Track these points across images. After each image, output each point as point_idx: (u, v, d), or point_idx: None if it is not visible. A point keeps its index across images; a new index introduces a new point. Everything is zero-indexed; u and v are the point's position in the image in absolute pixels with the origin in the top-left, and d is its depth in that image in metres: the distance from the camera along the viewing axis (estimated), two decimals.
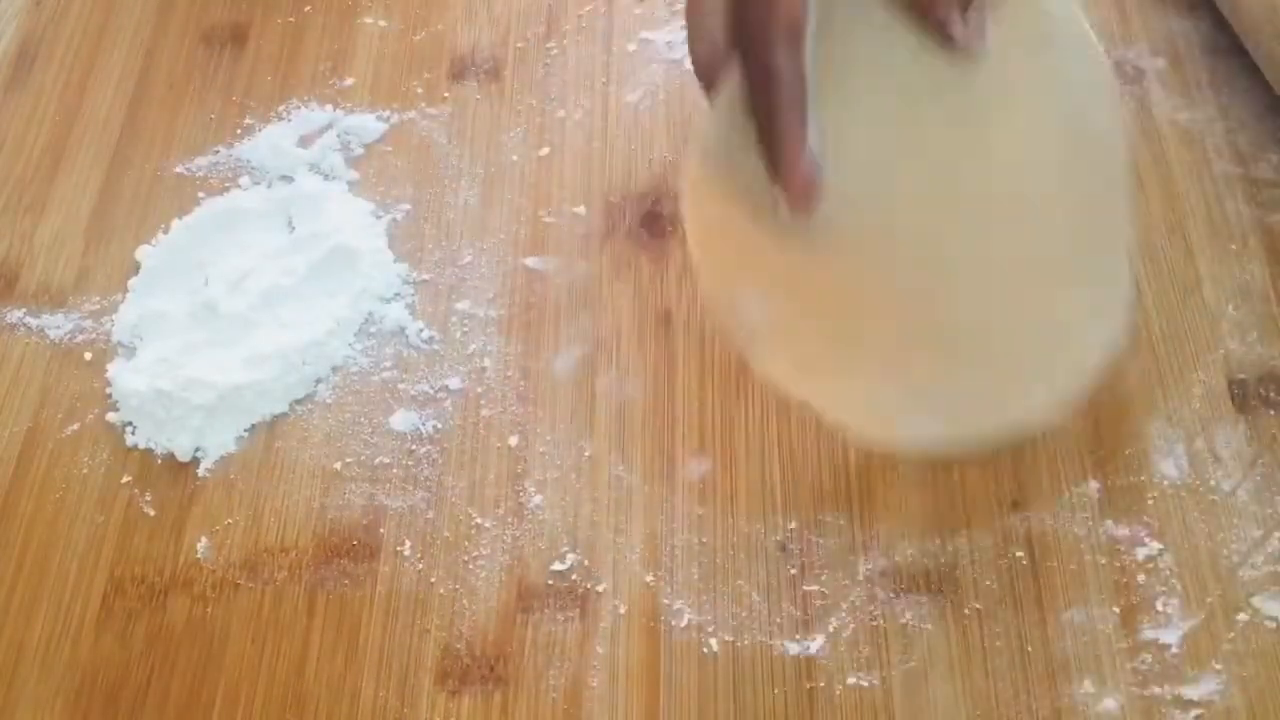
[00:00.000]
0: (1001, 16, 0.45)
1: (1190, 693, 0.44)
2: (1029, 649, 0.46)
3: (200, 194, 0.61)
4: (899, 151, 0.45)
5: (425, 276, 0.58)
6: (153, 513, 0.53)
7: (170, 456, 0.54)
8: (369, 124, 0.62)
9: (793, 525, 0.49)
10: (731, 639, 0.47)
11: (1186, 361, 0.51)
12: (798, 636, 0.47)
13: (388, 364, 0.55)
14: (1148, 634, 0.46)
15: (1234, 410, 0.50)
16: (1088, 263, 0.46)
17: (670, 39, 0.63)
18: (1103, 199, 0.47)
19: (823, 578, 0.48)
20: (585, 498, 0.51)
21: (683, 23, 0.63)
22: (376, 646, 0.49)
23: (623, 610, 0.48)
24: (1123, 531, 0.48)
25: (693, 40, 0.48)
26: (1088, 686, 0.45)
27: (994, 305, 0.46)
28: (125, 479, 0.54)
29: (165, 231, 0.60)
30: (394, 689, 0.48)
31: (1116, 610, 0.46)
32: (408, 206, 0.60)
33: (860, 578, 0.48)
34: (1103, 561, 0.47)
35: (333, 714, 0.47)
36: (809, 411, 0.49)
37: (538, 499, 0.51)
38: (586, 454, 0.52)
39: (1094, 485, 0.49)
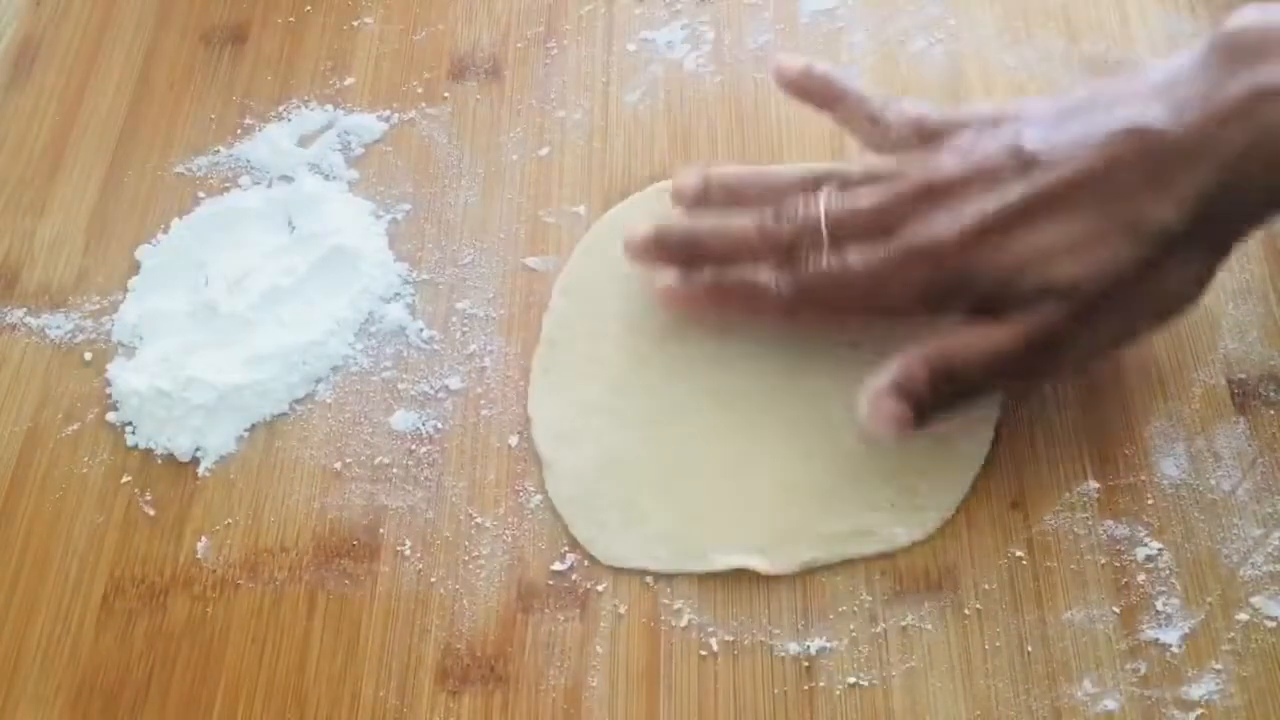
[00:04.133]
0: None
1: (1190, 693, 0.44)
2: (1029, 649, 0.46)
3: (200, 194, 0.61)
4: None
5: (425, 276, 0.58)
6: (153, 513, 0.53)
7: (170, 456, 0.54)
8: (369, 124, 0.62)
9: None
10: (731, 639, 0.47)
11: (1186, 361, 0.51)
12: (798, 636, 0.47)
13: (388, 364, 0.55)
14: (1148, 634, 0.46)
15: (1234, 410, 0.50)
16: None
17: (670, 39, 0.63)
18: None
19: (822, 578, 0.48)
20: None
21: (682, 22, 0.64)
22: (376, 646, 0.49)
23: (623, 610, 0.48)
24: (1123, 531, 0.48)
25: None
26: (1088, 686, 0.45)
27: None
28: (125, 479, 0.54)
29: (165, 231, 0.60)
30: (394, 689, 0.48)
31: (1116, 610, 0.46)
32: (408, 206, 0.60)
33: (860, 577, 0.48)
34: (1103, 561, 0.47)
35: (333, 714, 0.47)
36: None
37: (538, 499, 0.51)
38: None
39: (1094, 485, 0.49)
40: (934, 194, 0.47)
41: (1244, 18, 0.44)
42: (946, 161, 0.48)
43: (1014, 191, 0.46)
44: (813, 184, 0.51)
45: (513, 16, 0.66)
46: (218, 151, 0.63)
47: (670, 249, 0.52)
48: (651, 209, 0.57)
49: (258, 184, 0.61)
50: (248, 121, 0.64)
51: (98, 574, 0.51)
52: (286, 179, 0.61)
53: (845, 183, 0.50)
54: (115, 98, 0.65)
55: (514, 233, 0.58)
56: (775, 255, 0.49)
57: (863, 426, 0.47)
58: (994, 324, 0.46)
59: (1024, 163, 0.46)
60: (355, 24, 0.66)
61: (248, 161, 0.62)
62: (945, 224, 0.46)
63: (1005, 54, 0.61)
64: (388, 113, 0.63)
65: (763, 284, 0.49)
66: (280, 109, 0.64)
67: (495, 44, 0.65)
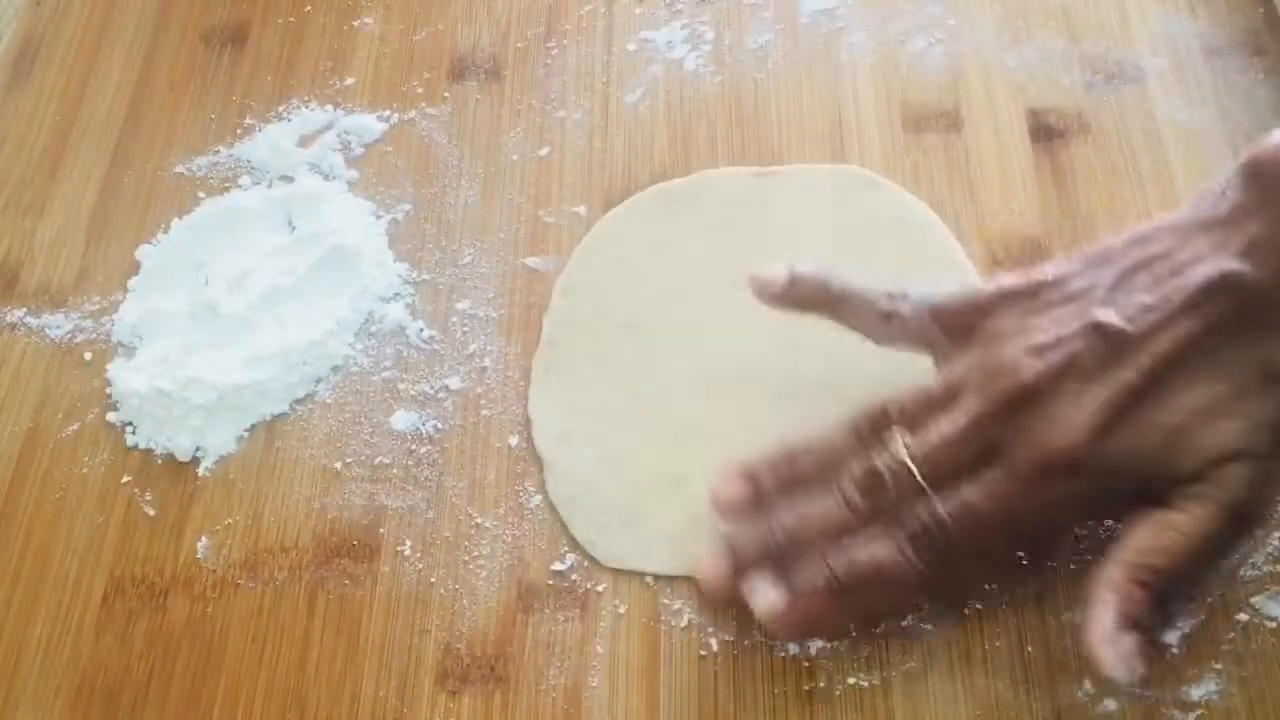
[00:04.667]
0: None
1: (1190, 693, 0.44)
2: (1029, 649, 0.46)
3: (200, 194, 0.61)
4: None
5: (425, 276, 0.58)
6: (153, 513, 0.53)
7: (170, 456, 0.54)
8: (369, 124, 0.62)
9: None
10: (731, 639, 0.47)
11: None
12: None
13: (388, 364, 0.55)
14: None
15: None
16: None
17: (670, 39, 0.63)
18: None
19: None
20: None
21: (682, 22, 0.64)
22: (376, 646, 0.49)
23: (623, 610, 0.48)
24: None
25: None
26: (1088, 687, 0.45)
27: None
28: (125, 479, 0.54)
29: (165, 231, 0.60)
30: (394, 689, 0.48)
31: None
32: (408, 206, 0.60)
33: None
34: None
35: (333, 714, 0.47)
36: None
37: (538, 499, 0.51)
38: None
39: None
40: (1027, 401, 0.43)
41: (1277, 143, 0.42)
42: (1023, 361, 0.43)
43: (1123, 374, 0.42)
44: (869, 434, 0.45)
45: (513, 16, 0.66)
46: (218, 151, 0.63)
47: (751, 562, 0.45)
48: (651, 209, 0.57)
49: (258, 184, 0.61)
50: (248, 121, 0.64)
51: (98, 574, 0.51)
52: (286, 179, 0.61)
53: (904, 417, 0.45)
54: (115, 98, 0.66)
55: (514, 233, 0.58)
56: (874, 523, 0.44)
57: (1111, 678, 0.41)
58: (1177, 513, 0.42)
59: (1111, 342, 0.42)
60: (355, 24, 0.66)
61: (248, 161, 0.62)
62: (1067, 427, 0.42)
63: (1005, 54, 0.61)
64: (388, 113, 0.63)
65: (891, 562, 0.43)
66: (280, 109, 0.64)
67: (495, 44, 0.65)
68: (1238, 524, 0.42)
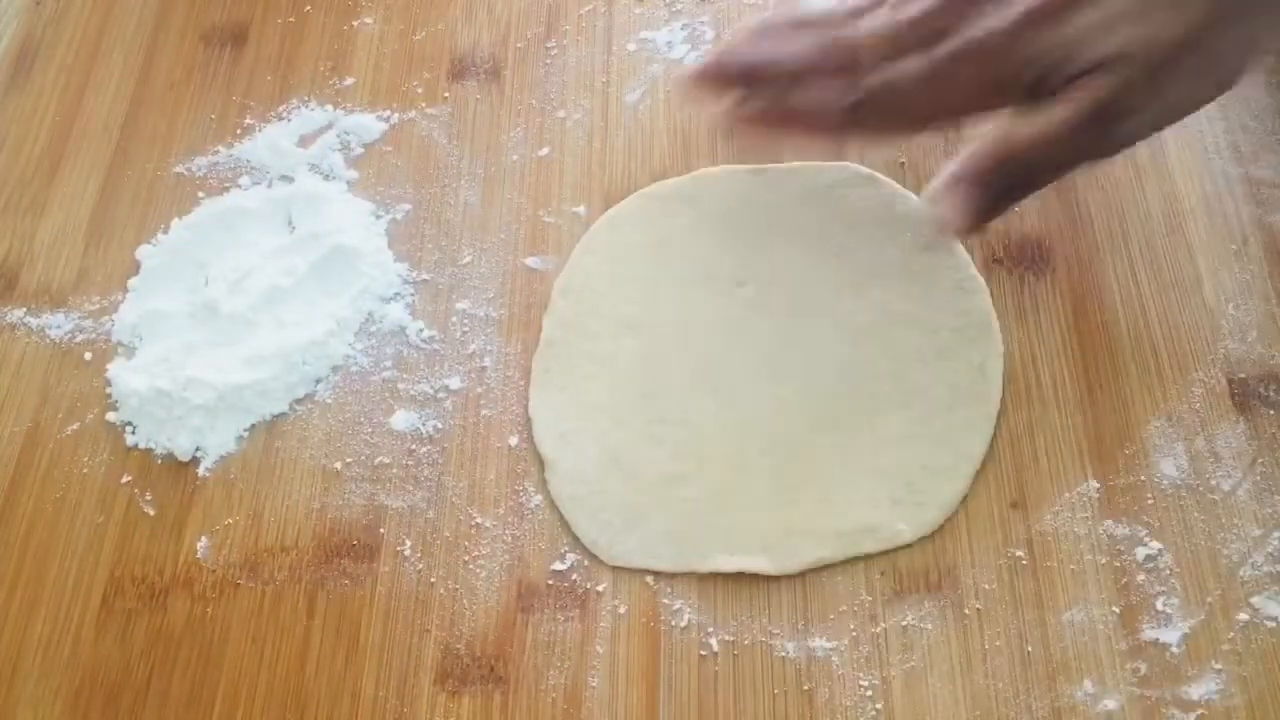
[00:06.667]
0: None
1: (1190, 693, 0.44)
2: (1029, 649, 0.46)
3: (200, 194, 0.61)
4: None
5: (425, 276, 0.58)
6: (153, 513, 0.53)
7: (170, 456, 0.54)
8: (369, 124, 0.62)
9: None
10: (731, 639, 0.47)
11: (1186, 361, 0.51)
12: (798, 636, 0.47)
13: (388, 364, 0.55)
14: (1148, 634, 0.46)
15: (1234, 410, 0.50)
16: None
17: (670, 39, 0.63)
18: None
19: (822, 578, 0.48)
20: None
21: (682, 22, 0.64)
22: (376, 646, 0.49)
23: (623, 610, 0.48)
24: (1123, 531, 0.48)
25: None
26: (1088, 686, 0.45)
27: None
28: (125, 479, 0.54)
29: (165, 231, 0.60)
30: (394, 689, 0.48)
31: (1116, 610, 0.46)
32: (408, 206, 0.60)
33: (860, 577, 0.48)
34: (1103, 561, 0.47)
35: (333, 714, 0.47)
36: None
37: (538, 499, 0.51)
38: None
39: (1094, 485, 0.49)
40: None
41: None
42: None
43: None
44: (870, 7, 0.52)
45: (513, 16, 0.66)
46: (218, 151, 0.63)
47: (730, 75, 0.53)
48: (650, 209, 0.57)
49: (258, 184, 0.61)
50: (248, 121, 0.64)
51: (98, 574, 0.51)
52: (286, 179, 0.61)
53: (899, 3, 0.51)
54: (115, 98, 0.66)
55: (514, 233, 0.58)
56: (834, 75, 0.51)
57: (933, 223, 0.48)
58: (1051, 103, 0.47)
59: None
60: (355, 24, 0.66)
61: (248, 161, 0.62)
62: (994, 18, 0.48)
63: None
64: (388, 113, 0.63)
65: (823, 99, 0.51)
66: (280, 109, 0.64)
67: (495, 44, 0.65)
68: (1092, 123, 0.46)
